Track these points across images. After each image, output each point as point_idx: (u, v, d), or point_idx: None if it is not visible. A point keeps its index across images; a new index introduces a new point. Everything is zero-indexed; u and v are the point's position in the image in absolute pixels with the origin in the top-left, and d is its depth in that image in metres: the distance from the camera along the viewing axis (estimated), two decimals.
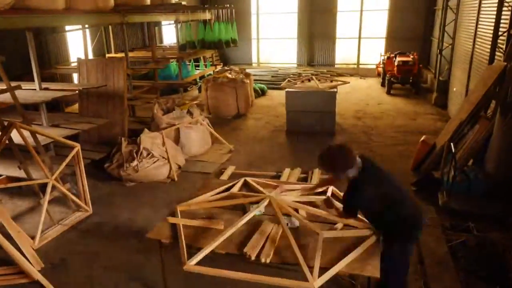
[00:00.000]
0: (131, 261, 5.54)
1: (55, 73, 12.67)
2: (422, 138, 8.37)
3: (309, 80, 12.08)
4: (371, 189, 3.78)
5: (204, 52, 16.26)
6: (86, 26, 12.05)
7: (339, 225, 4.29)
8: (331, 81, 12.41)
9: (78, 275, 5.30)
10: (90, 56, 13.33)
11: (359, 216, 4.26)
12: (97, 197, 7.37)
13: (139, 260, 5.53)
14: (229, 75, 13.32)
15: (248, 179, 5.47)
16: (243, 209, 4.73)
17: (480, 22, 10.09)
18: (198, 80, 16.55)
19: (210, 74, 15.69)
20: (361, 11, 19.40)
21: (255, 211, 4.49)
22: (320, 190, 5.05)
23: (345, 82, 12.45)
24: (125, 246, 5.92)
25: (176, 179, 8.12)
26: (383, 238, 3.99)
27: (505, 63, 7.28)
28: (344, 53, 20.45)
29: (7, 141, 6.25)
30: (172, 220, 4.51)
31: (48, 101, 7.61)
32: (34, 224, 6.15)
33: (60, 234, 6.22)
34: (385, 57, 16.77)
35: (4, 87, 6.51)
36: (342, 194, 4.90)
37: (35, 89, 8.21)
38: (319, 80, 11.94)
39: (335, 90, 10.98)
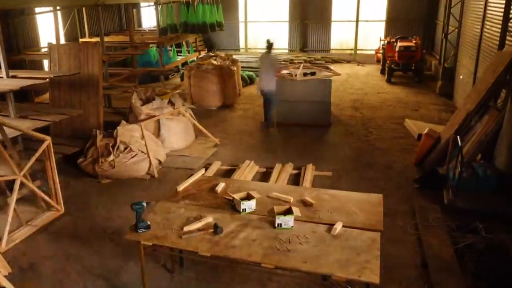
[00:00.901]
0: (107, 266, 5.48)
1: (24, 59, 12.53)
2: (425, 131, 8.39)
3: (298, 68, 11.96)
4: None
5: (186, 37, 16.16)
6: (58, 8, 11.90)
7: (339, 225, 4.30)
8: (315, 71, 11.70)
9: (48, 281, 5.24)
10: (62, 41, 13.19)
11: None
12: (70, 195, 7.30)
13: (116, 265, 5.48)
14: (214, 62, 13.23)
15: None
16: (232, 208, 4.77)
17: (489, 4, 10.11)
18: (180, 67, 16.46)
19: (193, 61, 15.63)
20: None
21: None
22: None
23: (335, 74, 11.69)
24: (101, 248, 5.86)
25: (156, 175, 8.06)
26: None
27: None
28: (340, 37, 20.41)
29: None
30: None
31: (16, 90, 7.47)
32: (1, 225, 6.06)
33: (29, 235, 6.14)
34: (385, 42, 16.75)
35: None
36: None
37: (1, 77, 8.09)
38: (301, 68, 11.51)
39: (330, 78, 10.92)
